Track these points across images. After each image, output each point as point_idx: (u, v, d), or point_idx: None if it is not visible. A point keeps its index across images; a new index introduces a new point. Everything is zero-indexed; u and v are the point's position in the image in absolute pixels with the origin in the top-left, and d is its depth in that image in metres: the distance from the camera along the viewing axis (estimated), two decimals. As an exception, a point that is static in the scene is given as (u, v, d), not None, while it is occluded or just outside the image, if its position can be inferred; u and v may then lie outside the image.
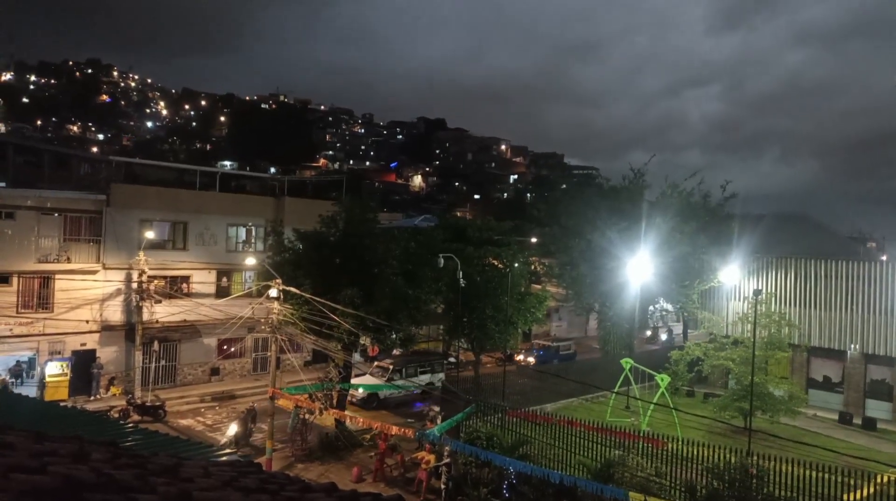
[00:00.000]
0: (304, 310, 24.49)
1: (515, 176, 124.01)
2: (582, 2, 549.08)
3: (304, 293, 24.04)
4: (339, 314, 23.76)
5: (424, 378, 29.78)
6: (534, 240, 38.46)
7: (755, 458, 17.03)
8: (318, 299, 23.41)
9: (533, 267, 36.42)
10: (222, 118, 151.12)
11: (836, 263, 30.59)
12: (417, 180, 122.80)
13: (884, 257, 52.16)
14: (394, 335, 27.56)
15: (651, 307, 36.79)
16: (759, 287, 28.97)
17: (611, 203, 33.00)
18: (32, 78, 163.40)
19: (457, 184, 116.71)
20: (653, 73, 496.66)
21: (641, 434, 19.38)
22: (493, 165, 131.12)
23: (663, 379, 24.86)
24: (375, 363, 30.34)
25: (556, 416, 20.83)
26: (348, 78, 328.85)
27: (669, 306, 37.13)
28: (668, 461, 17.94)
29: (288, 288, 24.29)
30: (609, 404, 26.98)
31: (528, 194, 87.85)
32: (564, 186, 78.94)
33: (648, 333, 46.92)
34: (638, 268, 29.37)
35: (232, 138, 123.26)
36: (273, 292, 24.04)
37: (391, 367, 29.53)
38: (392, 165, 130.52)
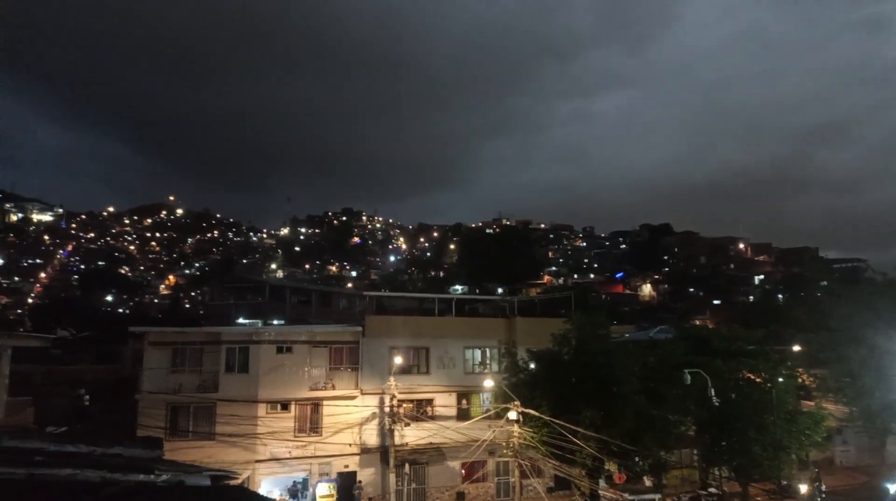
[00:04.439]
0: (544, 433, 23.91)
1: (761, 276, 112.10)
2: (817, 84, 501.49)
3: (542, 415, 23.59)
4: (580, 437, 22.72)
5: None
6: (796, 348, 33.59)
7: None
8: (557, 421, 22.76)
9: (800, 380, 31.54)
10: (452, 246, 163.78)
11: None
12: (647, 289, 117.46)
13: None
14: (640, 461, 25.40)
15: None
16: None
17: (893, 300, 27.84)
18: (302, 229, 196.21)
19: (691, 290, 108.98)
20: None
21: None
22: (732, 266, 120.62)
23: None
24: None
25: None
26: (565, 194, 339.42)
27: None
28: None
29: (526, 410, 24.10)
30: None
31: (780, 296, 78.42)
32: (825, 283, 69.10)
33: None
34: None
35: (461, 264, 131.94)
36: (512, 415, 24.02)
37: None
38: (618, 275, 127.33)
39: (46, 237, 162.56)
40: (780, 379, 27.34)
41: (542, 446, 24.13)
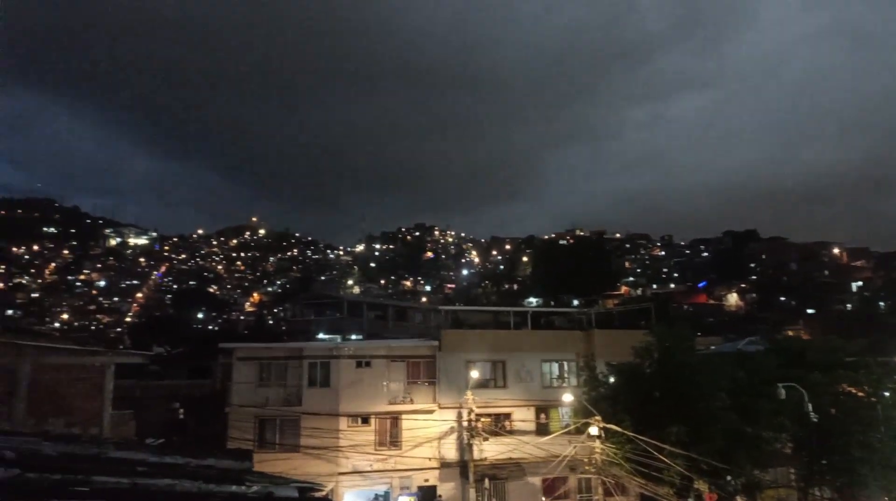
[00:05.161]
0: (628, 449, 23.19)
1: (859, 283, 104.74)
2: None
3: (625, 431, 22.91)
4: (666, 454, 21.88)
5: None
6: (903, 360, 31.07)
7: None
8: (640, 437, 22.03)
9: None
10: (525, 258, 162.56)
11: None
12: (733, 299, 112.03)
13: None
14: (731, 480, 24.15)
15: None
16: None
17: None
18: (377, 246, 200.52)
19: (782, 299, 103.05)
20: None
21: None
22: (826, 273, 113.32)
23: None
24: None
25: None
26: (641, 202, 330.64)
27: None
28: None
29: (608, 425, 23.48)
30: None
31: (881, 303, 73.00)
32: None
33: None
34: None
35: (535, 276, 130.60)
36: (593, 431, 23.45)
37: None
38: (700, 284, 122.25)
39: (142, 260, 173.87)
40: (886, 393, 25.35)
41: (626, 463, 23.39)
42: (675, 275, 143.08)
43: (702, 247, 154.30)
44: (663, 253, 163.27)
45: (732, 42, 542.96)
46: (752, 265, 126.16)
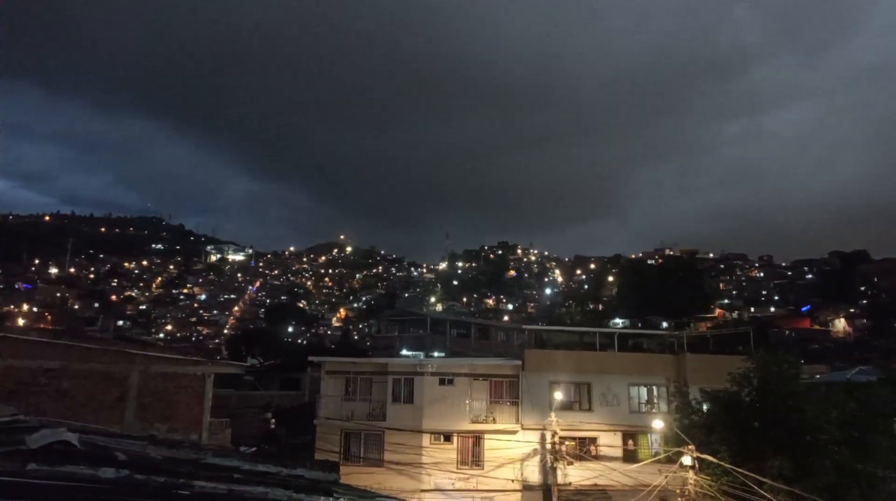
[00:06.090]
0: (724, 482, 21.86)
1: None
2: None
3: (721, 462, 21.62)
4: (767, 489, 20.43)
5: None
6: None
7: None
8: (739, 470, 20.72)
9: None
10: (610, 278, 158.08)
11: None
12: (840, 324, 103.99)
13: None
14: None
15: None
16: None
17: None
18: (459, 264, 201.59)
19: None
20: None
21: None
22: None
23: None
24: None
25: None
26: (737, 220, 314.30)
27: None
28: None
29: (703, 456, 22.24)
30: None
31: None
32: None
33: None
34: None
35: (621, 296, 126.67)
36: (686, 461, 22.28)
37: None
38: (804, 309, 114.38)
39: (239, 275, 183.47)
40: None
41: (722, 496, 22.03)
42: (776, 298, 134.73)
43: (805, 268, 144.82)
44: (762, 274, 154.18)
45: (837, 51, 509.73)
46: (863, 288, 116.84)
